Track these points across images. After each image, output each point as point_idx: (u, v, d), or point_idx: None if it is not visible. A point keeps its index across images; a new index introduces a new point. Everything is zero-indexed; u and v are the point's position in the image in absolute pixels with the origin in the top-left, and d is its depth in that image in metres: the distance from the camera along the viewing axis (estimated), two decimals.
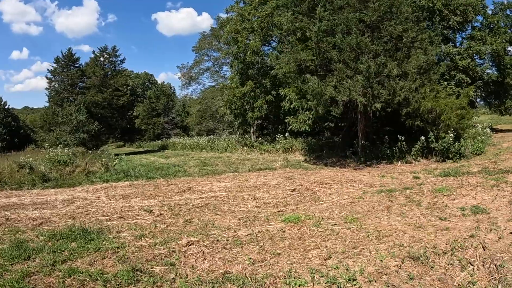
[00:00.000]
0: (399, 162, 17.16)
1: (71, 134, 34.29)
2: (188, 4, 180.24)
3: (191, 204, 9.67)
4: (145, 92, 71.39)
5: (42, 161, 18.03)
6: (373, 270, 4.88)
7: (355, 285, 4.47)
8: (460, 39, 30.13)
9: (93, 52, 41.29)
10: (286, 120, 26.09)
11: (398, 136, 17.72)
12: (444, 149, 16.69)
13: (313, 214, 8.07)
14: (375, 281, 4.56)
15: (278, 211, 8.59)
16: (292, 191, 11.05)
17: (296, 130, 24.89)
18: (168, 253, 5.70)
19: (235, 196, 10.59)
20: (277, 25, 22.36)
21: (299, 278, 4.68)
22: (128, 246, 6.00)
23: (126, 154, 34.41)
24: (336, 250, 5.70)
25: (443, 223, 6.98)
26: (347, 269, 4.90)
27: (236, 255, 5.65)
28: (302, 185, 11.91)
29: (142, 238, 6.46)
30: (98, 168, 17.74)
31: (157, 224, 7.58)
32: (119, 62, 41.75)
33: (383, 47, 15.80)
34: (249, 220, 7.82)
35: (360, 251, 5.65)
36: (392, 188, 10.68)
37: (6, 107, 62.65)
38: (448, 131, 16.65)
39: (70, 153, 19.27)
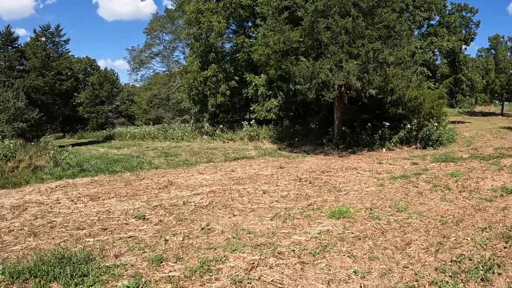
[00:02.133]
0: (384, 149, 16.90)
1: (8, 123, 30.39)
2: None
3: (191, 203, 7.87)
4: (86, 78, 67.04)
5: None
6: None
7: None
8: (418, 34, 31.79)
9: (34, 31, 36.71)
10: (251, 108, 24.59)
11: (384, 123, 17.54)
12: (426, 137, 17.06)
13: (354, 205, 7.35)
14: None
15: (308, 205, 7.59)
16: (299, 181, 10.08)
17: (262, 118, 23.40)
18: None
19: (238, 190, 9.08)
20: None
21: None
22: (152, 283, 4.00)
23: (70, 145, 30.91)
24: (435, 242, 5.24)
25: (495, 204, 7.24)
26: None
27: (338, 272, 4.31)
28: (304, 175, 10.94)
29: (163, 264, 4.47)
30: (46, 163, 15.12)
31: (167, 237, 5.60)
32: (62, 43, 37.70)
33: (378, 33, 15.21)
34: (286, 219, 6.59)
35: (459, 240, 5.32)
36: (402, 174, 10.51)
37: None
38: (431, 119, 17.27)
39: (11, 145, 16.44)
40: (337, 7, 15.01)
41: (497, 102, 52.37)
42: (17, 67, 35.37)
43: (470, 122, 33.43)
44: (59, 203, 8.38)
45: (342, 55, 14.73)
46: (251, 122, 23.38)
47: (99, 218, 6.79)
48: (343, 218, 6.50)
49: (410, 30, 20.20)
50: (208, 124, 28.60)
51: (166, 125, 35.32)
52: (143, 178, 11.03)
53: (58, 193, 9.60)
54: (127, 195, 8.76)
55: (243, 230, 5.89)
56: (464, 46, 37.35)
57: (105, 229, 6.09)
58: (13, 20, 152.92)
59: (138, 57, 41.88)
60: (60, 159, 15.99)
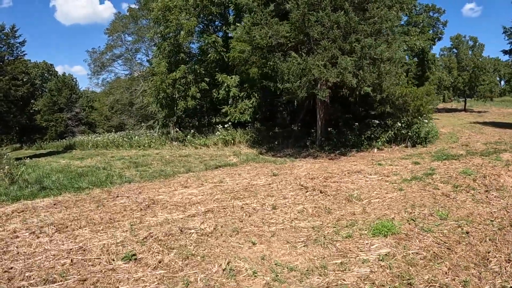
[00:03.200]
0: (375, 149, 16.10)
1: None
2: None
3: (190, 230, 6.45)
4: (44, 84, 63.66)
5: None
6: None
7: None
8: None
9: None
10: (223, 110, 23.13)
11: (373, 121, 17.00)
12: (415, 135, 16.66)
13: (391, 217, 6.63)
14: None
15: (337, 221, 6.68)
16: (307, 191, 9.04)
17: (235, 121, 22.04)
18: None
19: (241, 207, 7.82)
20: None
21: None
22: None
23: (27, 157, 28.37)
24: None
25: None
26: None
27: None
28: (307, 183, 9.90)
29: None
30: (0, 180, 13.21)
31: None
32: (18, 45, 34.74)
33: (370, 28, 14.31)
34: (326, 244, 5.52)
35: None
36: (413, 176, 9.92)
37: None
38: (420, 116, 16.98)
39: None
40: (328, 0, 14.01)
41: (459, 98, 53.97)
42: None
43: (438, 119, 33.31)
44: (17, 237, 6.68)
45: (335, 50, 13.71)
46: (226, 126, 21.87)
47: (72, 261, 5.19)
48: (392, 234, 5.73)
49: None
50: (176, 129, 27.02)
51: (130, 132, 33.28)
52: (117, 196, 9.38)
53: (15, 221, 7.88)
54: (103, 222, 7.15)
55: (279, 265, 4.63)
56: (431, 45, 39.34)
57: (84, 280, 4.53)
58: None
59: (99, 59, 39.57)
60: (17, 174, 14.05)
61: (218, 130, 21.90)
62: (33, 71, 56.48)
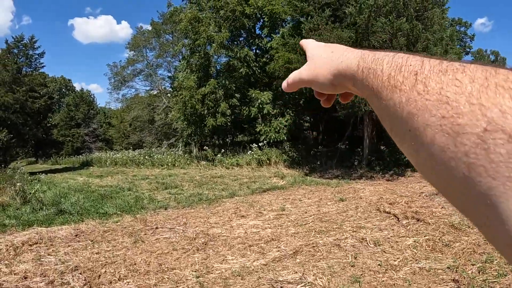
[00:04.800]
0: None
1: None
2: (108, 11, 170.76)
3: (291, 284, 4.51)
4: (61, 99, 62.35)
5: None
6: None
7: None
8: None
9: (6, 42, 32.32)
10: (257, 129, 21.14)
11: None
12: None
13: None
14: None
15: (469, 257, 5.03)
16: (396, 219, 7.36)
17: (270, 141, 20.03)
18: None
19: (336, 245, 5.86)
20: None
21: None
22: None
23: (42, 172, 26.49)
24: None
25: None
26: None
27: None
28: (389, 209, 8.21)
29: None
30: (11, 199, 11.27)
31: None
32: (36, 56, 33.51)
33: (434, 36, 13.00)
34: None
35: None
36: None
37: None
38: None
39: None
40: (389, 6, 12.62)
41: None
42: None
43: None
44: (28, 287, 4.62)
45: None
46: (260, 145, 19.83)
47: None
48: None
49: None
50: (198, 147, 25.16)
51: (153, 149, 31.43)
52: (156, 228, 7.30)
53: (27, 257, 5.90)
54: (151, 269, 5.06)
55: None
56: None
57: None
58: None
59: (120, 74, 38.01)
60: (30, 193, 12.10)
61: (252, 149, 19.83)
62: (51, 85, 55.11)
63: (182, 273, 4.91)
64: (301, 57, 14.62)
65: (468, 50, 45.13)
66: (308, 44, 0.76)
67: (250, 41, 22.97)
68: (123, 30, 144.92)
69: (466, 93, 0.35)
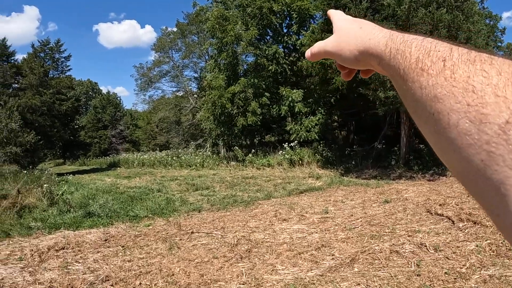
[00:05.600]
0: None
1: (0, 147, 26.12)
2: (132, 16, 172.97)
3: None
4: (88, 102, 62.91)
5: None
6: None
7: None
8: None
9: (32, 46, 32.68)
10: (287, 128, 20.51)
11: None
12: None
13: None
14: None
15: None
16: (451, 222, 6.68)
17: (301, 140, 19.32)
18: None
19: (395, 252, 5.25)
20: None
21: None
22: None
23: (70, 173, 26.31)
24: None
25: None
26: None
27: None
28: (440, 210, 7.50)
29: None
30: (38, 200, 10.85)
31: None
32: (63, 59, 33.74)
33: (475, 27, 12.53)
34: None
35: None
36: None
37: None
38: None
39: None
40: None
41: None
42: (12, 85, 31.20)
43: None
44: None
45: None
46: (292, 144, 19.13)
47: None
48: None
49: None
50: (227, 148, 24.66)
51: (180, 150, 31.07)
52: (192, 232, 6.69)
53: (53, 264, 5.38)
54: (192, 281, 4.44)
55: None
56: None
57: None
58: (18, 47, 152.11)
59: (147, 75, 37.84)
60: (57, 194, 11.69)
61: (284, 149, 19.16)
62: (78, 88, 55.71)
63: (228, 286, 4.27)
64: None
65: (500, 44, 43.62)
66: (335, 15, 0.74)
67: (279, 38, 22.30)
68: (147, 34, 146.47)
69: (492, 84, 0.36)
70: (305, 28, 20.68)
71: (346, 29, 0.67)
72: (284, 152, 19.07)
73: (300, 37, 20.87)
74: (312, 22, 20.96)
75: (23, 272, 5.15)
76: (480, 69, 0.38)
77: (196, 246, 5.83)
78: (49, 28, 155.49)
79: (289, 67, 20.73)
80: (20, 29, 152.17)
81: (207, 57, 33.31)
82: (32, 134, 27.38)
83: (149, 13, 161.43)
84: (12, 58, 32.14)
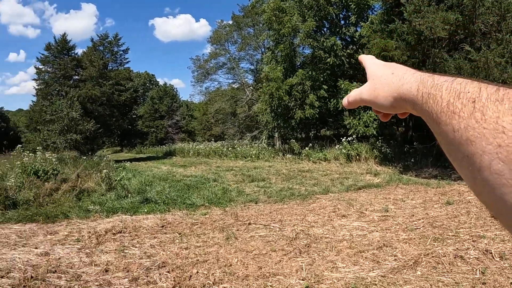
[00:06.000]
0: None
1: (61, 135, 27.32)
2: (186, 10, 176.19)
3: None
4: (146, 93, 64.58)
5: (12, 171, 11.39)
6: None
7: None
8: None
9: (91, 40, 34.03)
10: (345, 122, 19.96)
11: None
12: None
13: None
14: None
15: None
16: None
17: (358, 135, 18.73)
18: None
19: (459, 257, 4.86)
20: None
21: None
22: None
23: (127, 160, 27.04)
24: None
25: None
26: None
27: None
28: None
29: None
30: (96, 185, 11.08)
31: None
32: (121, 52, 34.79)
33: None
34: None
35: None
36: None
37: None
38: None
39: (54, 159, 12.51)
40: None
41: None
42: (73, 77, 32.62)
43: None
44: (110, 284, 4.00)
45: None
46: (349, 139, 18.60)
47: None
48: None
49: None
50: (282, 141, 24.41)
51: (235, 141, 31.23)
52: (249, 223, 6.51)
53: (109, 247, 5.36)
54: (250, 273, 4.25)
55: None
56: None
57: None
58: (77, 41, 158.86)
59: (203, 67, 38.20)
60: (115, 180, 11.88)
61: (342, 143, 18.69)
62: (136, 80, 57.21)
63: (287, 280, 4.05)
64: (400, 43, 13.32)
65: None
66: (367, 61, 0.76)
67: (336, 30, 21.72)
68: (202, 28, 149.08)
69: None
70: (364, 19, 20.03)
71: (379, 75, 0.67)
72: (341, 147, 18.62)
73: (358, 28, 20.29)
74: (371, 13, 20.29)
75: (80, 253, 5.16)
76: (508, 109, 0.38)
77: (254, 237, 5.66)
78: (106, 23, 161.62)
79: (347, 59, 20.19)
80: (79, 25, 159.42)
81: (263, 50, 33.18)
82: (92, 123, 28.49)
83: (203, 7, 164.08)
84: (72, 51, 33.31)
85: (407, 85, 0.58)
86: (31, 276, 4.35)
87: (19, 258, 4.97)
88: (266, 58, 23.96)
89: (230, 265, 4.47)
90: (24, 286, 4.13)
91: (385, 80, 0.65)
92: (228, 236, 5.71)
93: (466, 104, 0.43)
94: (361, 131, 18.70)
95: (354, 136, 18.48)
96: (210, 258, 4.74)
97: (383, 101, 0.65)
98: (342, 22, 21.74)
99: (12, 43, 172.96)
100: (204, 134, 48.83)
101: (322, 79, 20.46)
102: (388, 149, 17.30)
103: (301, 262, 4.55)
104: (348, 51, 20.46)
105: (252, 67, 36.53)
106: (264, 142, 26.43)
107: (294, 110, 20.44)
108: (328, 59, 20.19)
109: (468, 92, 0.44)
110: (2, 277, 4.40)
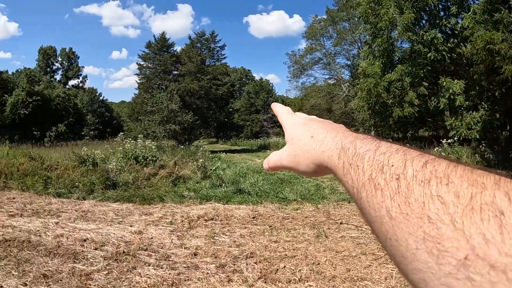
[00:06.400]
0: None
1: (161, 125, 29.01)
2: (279, 6, 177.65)
3: None
4: (242, 88, 66.03)
5: (114, 156, 12.18)
6: None
7: None
8: None
9: (189, 38, 35.85)
10: (446, 123, 18.76)
11: None
12: None
13: None
14: None
15: None
16: None
17: (460, 138, 17.45)
18: None
19: None
20: None
21: None
22: None
23: (222, 152, 27.92)
24: None
25: None
26: None
27: None
28: None
29: None
30: (192, 172, 11.44)
31: None
32: (218, 48, 36.05)
33: None
34: None
35: None
36: None
37: (101, 98, 62.03)
38: None
39: (153, 146, 13.18)
40: None
41: None
42: (172, 72, 34.77)
43: None
44: (197, 267, 4.07)
45: None
46: (450, 141, 17.47)
47: None
48: None
49: None
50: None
51: None
52: (341, 223, 6.30)
53: (200, 232, 5.52)
54: (338, 275, 4.09)
55: None
56: None
57: None
58: (176, 40, 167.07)
59: (299, 62, 38.03)
60: (210, 169, 12.19)
61: (442, 146, 17.65)
62: (233, 75, 58.70)
63: (374, 287, 3.83)
64: (507, 34, 12.16)
65: None
66: (283, 116, 0.71)
67: (436, 22, 20.35)
68: (296, 24, 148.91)
69: (450, 213, 0.34)
70: (465, 9, 18.63)
71: (298, 139, 0.62)
72: (440, 149, 17.59)
73: (459, 20, 18.96)
74: (472, 2, 18.81)
75: (172, 235, 5.32)
76: (436, 194, 0.34)
77: (344, 238, 5.46)
78: (202, 22, 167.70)
79: (448, 54, 18.93)
80: (176, 24, 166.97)
81: (359, 44, 32.35)
82: (190, 115, 29.87)
83: (296, 3, 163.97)
84: (172, 49, 35.57)
85: (328, 152, 0.53)
86: (123, 251, 4.58)
87: (114, 233, 5.26)
88: (363, 53, 23.20)
89: (318, 264, 4.34)
90: (115, 259, 4.36)
91: (304, 145, 0.59)
92: (319, 233, 5.56)
93: (389, 182, 0.39)
94: (463, 134, 17.48)
95: (455, 138, 17.33)
96: (299, 254, 4.64)
97: (305, 168, 0.60)
98: (442, 13, 20.37)
99: (115, 42, 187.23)
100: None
101: (422, 75, 19.43)
102: (491, 155, 16.03)
103: (392, 270, 4.30)
104: (449, 45, 19.17)
105: (349, 63, 35.75)
106: None
107: (392, 108, 19.63)
108: (428, 54, 19.07)
109: (392, 165, 0.40)
110: (96, 249, 4.69)
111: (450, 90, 17.97)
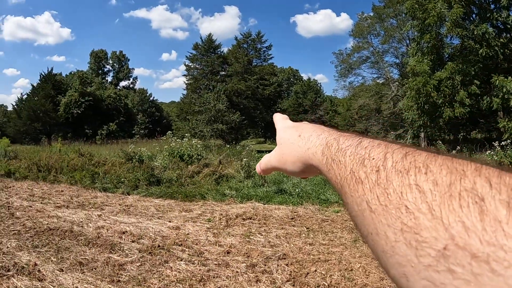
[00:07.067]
0: None
1: (208, 124, 29.55)
2: (326, 5, 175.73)
3: None
4: (290, 88, 65.84)
5: (160, 153, 12.51)
6: None
7: None
8: None
9: (236, 39, 36.43)
10: (500, 125, 17.97)
11: None
12: None
13: None
14: None
15: None
16: None
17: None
18: None
19: None
20: None
21: None
22: None
23: (268, 151, 27.40)
24: None
25: None
26: None
27: None
28: None
29: None
30: (236, 171, 11.53)
31: None
32: (264, 49, 36.33)
33: None
34: None
35: None
36: None
37: (151, 99, 63.89)
38: None
39: (199, 145, 13.41)
40: None
41: None
42: (219, 72, 35.55)
43: None
44: (228, 265, 4.09)
45: None
46: (503, 144, 16.64)
47: None
48: None
49: None
50: (427, 141, 22.93)
51: None
52: None
53: (237, 231, 5.58)
54: (370, 285, 4.00)
55: None
56: None
57: None
58: (223, 41, 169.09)
59: (346, 61, 37.42)
60: (254, 169, 12.23)
61: (495, 149, 16.86)
62: (280, 75, 58.65)
63: None
64: None
65: None
66: (278, 124, 0.73)
67: (487, 15, 19.42)
68: (343, 22, 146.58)
69: (428, 201, 0.33)
70: None
71: (286, 139, 0.63)
72: (492, 153, 16.81)
73: (511, 12, 18.08)
74: None
75: (208, 232, 5.40)
76: (414, 184, 0.34)
77: None
78: (249, 23, 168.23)
79: (501, 50, 18.05)
80: (224, 26, 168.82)
81: (407, 42, 31.46)
82: (237, 114, 30.28)
83: (343, 1, 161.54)
84: (219, 50, 36.46)
85: (313, 149, 0.53)
86: (159, 245, 4.73)
87: (152, 228, 5.42)
88: (411, 50, 22.60)
89: (351, 270, 4.26)
90: (150, 252, 4.54)
91: (292, 144, 0.60)
92: (357, 238, 5.46)
93: (369, 174, 0.39)
94: None
95: (509, 141, 16.51)
96: (332, 259, 4.57)
97: (292, 167, 0.60)
98: (492, 6, 19.51)
99: (164, 44, 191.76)
100: (347, 130, 47.76)
101: (473, 73, 18.67)
102: None
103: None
104: (501, 40, 18.32)
105: (397, 61, 34.92)
106: (409, 142, 25.07)
107: (443, 108, 18.97)
108: (480, 50, 18.29)
109: (373, 158, 0.40)
110: (133, 242, 4.87)
111: (504, 89, 17.21)
